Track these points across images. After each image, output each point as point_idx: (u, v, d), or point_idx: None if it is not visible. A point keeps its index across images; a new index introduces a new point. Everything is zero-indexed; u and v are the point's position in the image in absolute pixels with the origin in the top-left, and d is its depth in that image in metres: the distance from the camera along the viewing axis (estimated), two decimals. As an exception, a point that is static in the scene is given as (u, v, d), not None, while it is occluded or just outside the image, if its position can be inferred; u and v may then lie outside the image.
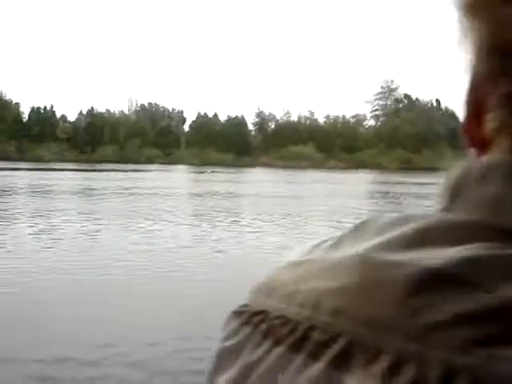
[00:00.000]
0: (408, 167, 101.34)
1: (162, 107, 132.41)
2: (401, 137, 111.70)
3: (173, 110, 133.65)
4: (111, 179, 45.02)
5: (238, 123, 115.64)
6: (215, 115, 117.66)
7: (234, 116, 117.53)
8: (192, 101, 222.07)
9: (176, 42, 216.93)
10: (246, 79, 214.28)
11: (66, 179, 45.29)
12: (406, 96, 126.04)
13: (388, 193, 37.95)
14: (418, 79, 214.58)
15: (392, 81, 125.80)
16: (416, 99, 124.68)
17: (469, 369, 0.32)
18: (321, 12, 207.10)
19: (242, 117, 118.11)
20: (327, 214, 22.47)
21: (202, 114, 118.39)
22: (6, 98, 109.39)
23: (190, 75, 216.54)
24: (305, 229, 17.93)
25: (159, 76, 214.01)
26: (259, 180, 53.48)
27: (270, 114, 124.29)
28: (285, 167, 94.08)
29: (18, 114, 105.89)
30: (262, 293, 0.43)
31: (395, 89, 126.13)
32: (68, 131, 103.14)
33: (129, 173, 59.16)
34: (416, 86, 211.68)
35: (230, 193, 34.12)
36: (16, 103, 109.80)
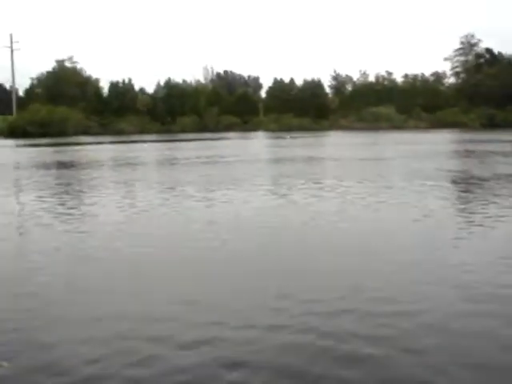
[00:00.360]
0: (492, 124, 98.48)
1: (238, 75, 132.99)
2: (483, 93, 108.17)
3: (249, 76, 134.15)
4: (192, 148, 45.53)
5: (314, 87, 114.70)
6: (291, 80, 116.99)
7: (310, 80, 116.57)
8: (267, 67, 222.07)
9: (248, 8, 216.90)
10: (321, 41, 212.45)
11: (148, 150, 46.10)
12: (488, 51, 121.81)
13: (473, 151, 36.97)
14: (500, 32, 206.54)
15: (472, 35, 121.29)
16: (499, 53, 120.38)
17: None
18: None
19: (319, 80, 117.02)
20: (413, 175, 22.04)
21: (278, 79, 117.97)
22: (86, 74, 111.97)
23: (264, 41, 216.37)
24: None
25: (233, 44, 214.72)
26: (341, 143, 52.98)
27: (347, 75, 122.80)
28: (364, 129, 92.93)
29: (98, 89, 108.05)
30: None
31: (476, 43, 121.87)
32: (147, 103, 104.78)
33: (208, 141, 59.75)
34: (499, 40, 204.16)
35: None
36: (96, 79, 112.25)
